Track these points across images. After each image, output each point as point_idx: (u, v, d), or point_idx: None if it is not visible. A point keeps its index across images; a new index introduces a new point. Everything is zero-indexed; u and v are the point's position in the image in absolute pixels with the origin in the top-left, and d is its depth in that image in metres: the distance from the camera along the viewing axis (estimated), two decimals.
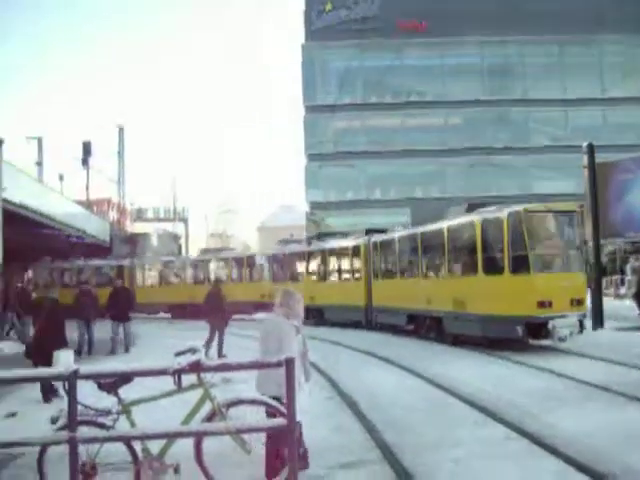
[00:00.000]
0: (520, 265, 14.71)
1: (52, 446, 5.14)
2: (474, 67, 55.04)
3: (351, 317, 23.68)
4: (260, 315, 23.44)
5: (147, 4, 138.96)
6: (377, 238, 22.56)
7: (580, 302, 15.00)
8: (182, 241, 66.49)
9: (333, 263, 26.02)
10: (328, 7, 55.90)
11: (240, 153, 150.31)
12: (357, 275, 23.80)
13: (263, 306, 24.58)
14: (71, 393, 4.68)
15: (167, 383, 5.74)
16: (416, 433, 7.82)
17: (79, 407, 4.78)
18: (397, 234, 21.42)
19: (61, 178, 52.80)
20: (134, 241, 41.77)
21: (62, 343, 9.94)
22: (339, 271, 25.71)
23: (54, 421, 5.00)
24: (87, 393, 5.13)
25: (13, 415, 8.94)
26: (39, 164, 51.94)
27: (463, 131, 54.31)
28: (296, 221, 78.57)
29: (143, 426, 5.26)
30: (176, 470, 5.08)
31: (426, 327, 18.64)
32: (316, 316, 24.81)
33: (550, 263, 15.61)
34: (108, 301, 17.90)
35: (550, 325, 14.38)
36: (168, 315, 32.51)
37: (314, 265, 26.93)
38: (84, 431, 4.86)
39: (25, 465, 6.49)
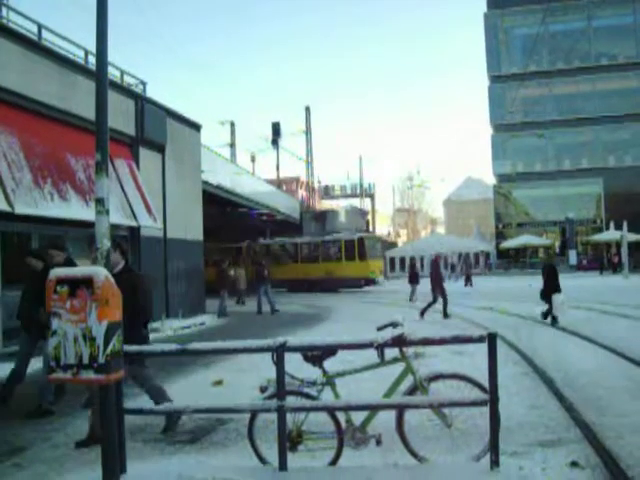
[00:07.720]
0: (362, 256, 35.95)
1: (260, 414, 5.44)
2: None
3: None
4: None
5: None
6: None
7: (382, 271, 40.64)
8: (369, 216, 67.54)
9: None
10: None
11: (425, 125, 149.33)
12: None
13: None
14: (280, 364, 4.94)
15: (360, 356, 5.94)
16: None
17: (286, 378, 5.03)
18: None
19: (252, 159, 55.45)
20: (323, 218, 42.62)
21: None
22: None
23: (263, 390, 5.26)
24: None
25: (220, 383, 9.49)
26: (232, 146, 54.61)
27: None
28: (482, 194, 76.88)
29: (347, 397, 5.42)
30: (378, 441, 5.18)
31: (306, 287, 37.02)
32: None
33: (373, 256, 37.48)
34: None
35: (376, 280, 36.72)
36: None
37: None
38: (292, 400, 5.10)
39: (234, 430, 6.93)
